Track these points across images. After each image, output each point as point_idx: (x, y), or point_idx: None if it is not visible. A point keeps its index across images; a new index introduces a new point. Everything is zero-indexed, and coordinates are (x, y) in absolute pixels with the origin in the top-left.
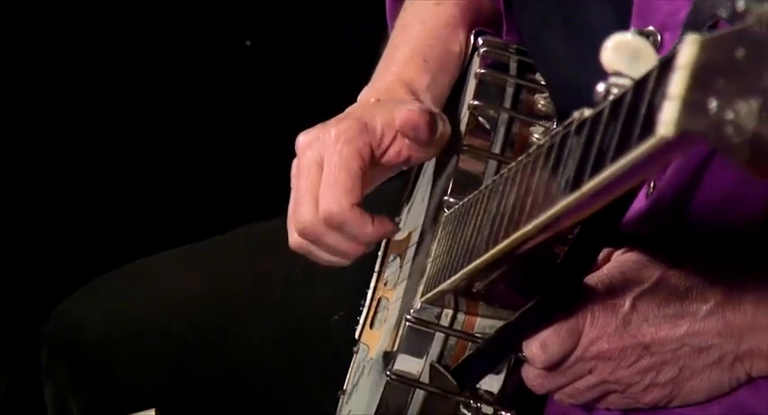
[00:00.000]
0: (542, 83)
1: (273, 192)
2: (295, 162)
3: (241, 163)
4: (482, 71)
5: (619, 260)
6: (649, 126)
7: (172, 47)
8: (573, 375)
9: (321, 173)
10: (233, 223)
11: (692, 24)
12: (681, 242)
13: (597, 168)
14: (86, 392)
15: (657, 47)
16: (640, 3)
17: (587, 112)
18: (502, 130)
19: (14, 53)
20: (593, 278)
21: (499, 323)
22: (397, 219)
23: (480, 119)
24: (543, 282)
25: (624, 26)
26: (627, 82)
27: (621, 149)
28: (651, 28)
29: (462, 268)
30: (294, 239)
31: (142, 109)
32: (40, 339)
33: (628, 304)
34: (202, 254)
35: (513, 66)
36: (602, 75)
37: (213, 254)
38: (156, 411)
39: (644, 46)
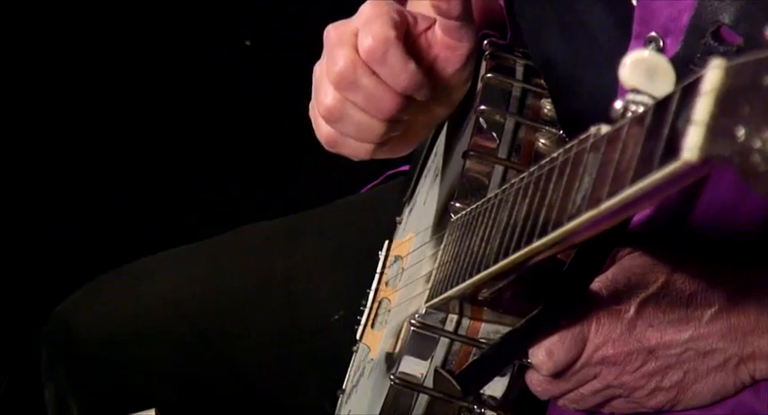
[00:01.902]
0: None
1: (273, 192)
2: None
3: (241, 162)
4: (488, 75)
5: (623, 265)
6: (673, 150)
7: (172, 47)
8: (578, 381)
9: (355, 35)
10: (233, 223)
11: (694, 29)
12: (684, 245)
13: (616, 188)
14: (86, 392)
15: (660, 52)
16: (642, 7)
17: (604, 129)
18: (508, 135)
19: (14, 53)
20: (597, 283)
21: (503, 329)
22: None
23: (486, 123)
24: (549, 289)
25: (624, 30)
26: (645, 99)
27: (642, 171)
28: (653, 33)
29: (470, 277)
30: (327, 98)
31: (142, 109)
32: (40, 339)
33: (633, 309)
34: (202, 254)
35: (519, 69)
36: (603, 80)
37: (213, 254)
38: (156, 411)
39: (662, 63)
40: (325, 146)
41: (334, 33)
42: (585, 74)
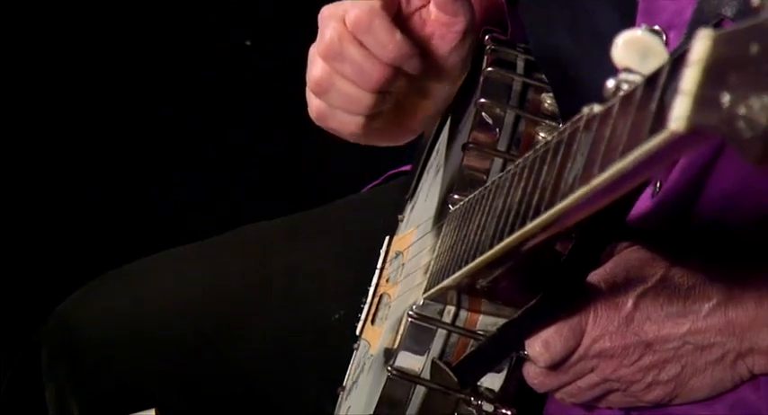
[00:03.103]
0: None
1: (273, 192)
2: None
3: (241, 162)
4: (489, 69)
5: (621, 258)
6: (660, 121)
7: (172, 47)
8: (575, 374)
9: (345, 12)
10: (233, 223)
11: (696, 23)
12: (684, 240)
13: (607, 162)
14: (86, 392)
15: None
16: (645, 3)
17: (597, 108)
18: (508, 128)
19: (14, 53)
20: (595, 276)
21: (501, 321)
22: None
23: (486, 116)
24: (546, 280)
25: (628, 25)
26: (637, 78)
27: (632, 144)
28: (657, 27)
29: (466, 264)
30: (316, 70)
31: (142, 109)
32: (40, 339)
33: (630, 302)
34: (202, 254)
35: (520, 64)
36: (607, 75)
37: (213, 254)
38: (156, 411)
39: (654, 42)
40: (315, 121)
41: (326, 12)
42: (589, 69)
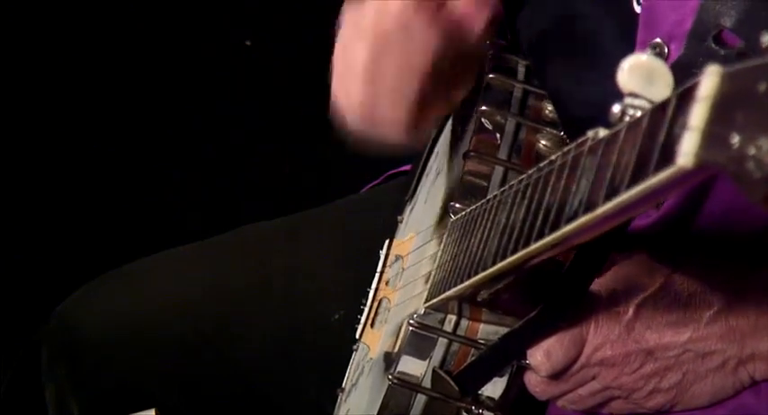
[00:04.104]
0: None
1: (273, 192)
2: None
3: (241, 162)
4: (490, 75)
5: (622, 266)
6: (668, 155)
7: (172, 47)
8: (576, 382)
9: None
10: (233, 223)
11: (695, 33)
12: (684, 248)
13: (613, 192)
14: (86, 393)
15: (664, 58)
16: (646, 14)
17: (602, 132)
18: (509, 136)
19: (14, 53)
20: (596, 285)
21: (502, 330)
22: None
23: (487, 123)
24: (548, 290)
25: (628, 38)
26: (643, 103)
27: (638, 176)
28: (658, 40)
29: (469, 278)
30: (361, 53)
31: (142, 109)
32: (40, 339)
33: (631, 311)
34: (202, 254)
35: (521, 70)
36: (608, 89)
37: (213, 254)
38: (156, 411)
39: (660, 67)
40: (355, 117)
41: None
42: (589, 82)
